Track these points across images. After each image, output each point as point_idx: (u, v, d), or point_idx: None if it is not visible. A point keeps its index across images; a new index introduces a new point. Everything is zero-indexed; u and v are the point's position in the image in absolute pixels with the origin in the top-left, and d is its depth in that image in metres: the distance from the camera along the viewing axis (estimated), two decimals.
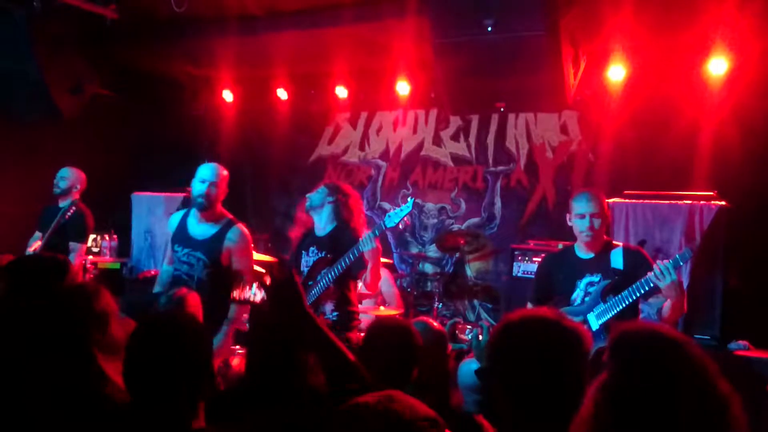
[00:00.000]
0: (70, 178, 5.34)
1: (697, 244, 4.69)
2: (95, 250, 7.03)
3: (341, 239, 4.00)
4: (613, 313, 3.31)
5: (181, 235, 4.08)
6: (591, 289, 3.41)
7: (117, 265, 7.09)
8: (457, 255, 6.78)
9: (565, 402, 1.46)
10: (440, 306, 6.22)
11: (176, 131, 7.80)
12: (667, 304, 3.23)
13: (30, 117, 6.19)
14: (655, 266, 3.14)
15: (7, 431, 1.89)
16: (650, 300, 3.54)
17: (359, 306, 4.38)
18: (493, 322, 6.26)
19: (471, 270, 6.74)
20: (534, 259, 5.54)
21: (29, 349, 2.03)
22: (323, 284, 3.95)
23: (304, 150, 7.82)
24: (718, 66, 5.36)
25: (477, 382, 2.88)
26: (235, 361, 4.59)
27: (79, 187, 5.37)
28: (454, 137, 7.02)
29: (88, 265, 6.17)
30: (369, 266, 3.80)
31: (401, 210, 3.81)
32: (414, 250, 7.08)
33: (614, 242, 3.52)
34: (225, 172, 4.11)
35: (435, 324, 2.90)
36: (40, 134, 6.51)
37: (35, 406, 1.88)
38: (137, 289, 6.73)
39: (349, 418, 1.43)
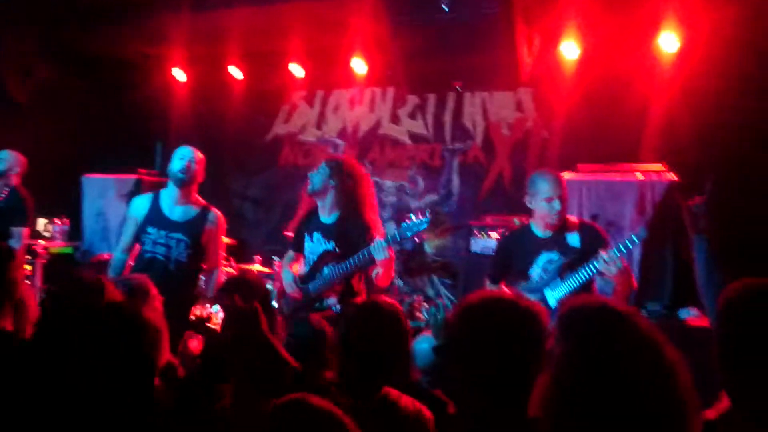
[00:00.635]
0: (7, 160, 5.19)
1: (649, 218, 4.83)
2: (46, 234, 6.85)
3: (349, 232, 3.77)
4: (569, 289, 3.40)
5: (157, 218, 4.04)
6: (549, 267, 3.49)
7: (69, 250, 6.94)
8: None
9: (522, 380, 1.50)
10: (401, 283, 6.26)
11: (127, 112, 7.62)
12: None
13: None
14: (603, 255, 3.22)
15: None
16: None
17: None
18: (453, 298, 6.35)
19: (430, 247, 6.80)
20: (491, 234, 5.60)
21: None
22: (330, 280, 3.78)
23: (260, 129, 7.73)
24: (669, 42, 5.48)
25: (427, 362, 2.94)
26: (194, 343, 4.58)
27: (17, 170, 5.22)
28: (412, 115, 7.02)
29: (40, 251, 6.02)
30: (380, 267, 3.63)
31: (419, 223, 3.56)
32: None
33: (570, 219, 3.58)
34: (201, 155, 4.16)
35: (390, 302, 2.93)
36: None
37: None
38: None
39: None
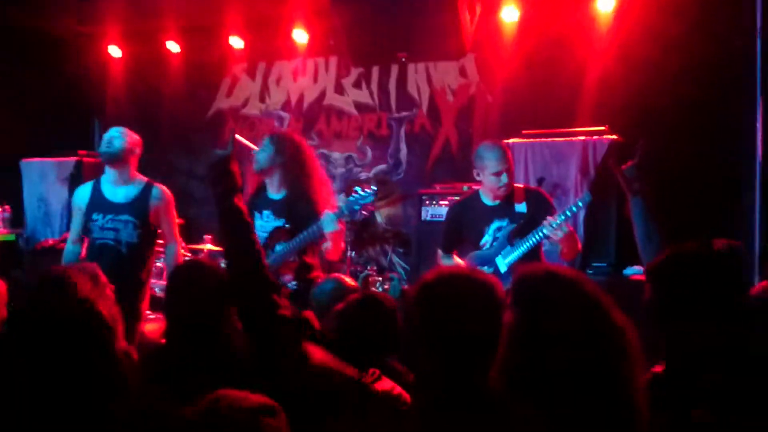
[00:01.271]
0: None
1: (592, 179, 4.97)
2: None
3: (298, 209, 3.78)
4: (519, 254, 3.51)
5: (99, 203, 3.94)
6: (499, 234, 3.59)
7: (12, 237, 6.75)
8: None
9: (484, 350, 1.55)
10: (353, 254, 6.29)
11: (62, 92, 7.34)
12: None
13: None
14: (550, 220, 3.34)
15: None
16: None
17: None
18: (406, 266, 6.43)
19: (381, 216, 6.84)
20: (441, 202, 5.67)
21: None
22: (282, 256, 3.76)
23: (202, 104, 7.56)
24: (605, 3, 5.57)
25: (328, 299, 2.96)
26: (149, 327, 4.52)
27: None
28: (356, 85, 6.98)
29: None
30: (329, 241, 3.65)
31: (365, 196, 3.60)
32: None
33: (516, 186, 3.67)
34: (132, 133, 4.04)
35: (348, 280, 2.97)
36: None
37: None
38: (36, 261, 6.46)
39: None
